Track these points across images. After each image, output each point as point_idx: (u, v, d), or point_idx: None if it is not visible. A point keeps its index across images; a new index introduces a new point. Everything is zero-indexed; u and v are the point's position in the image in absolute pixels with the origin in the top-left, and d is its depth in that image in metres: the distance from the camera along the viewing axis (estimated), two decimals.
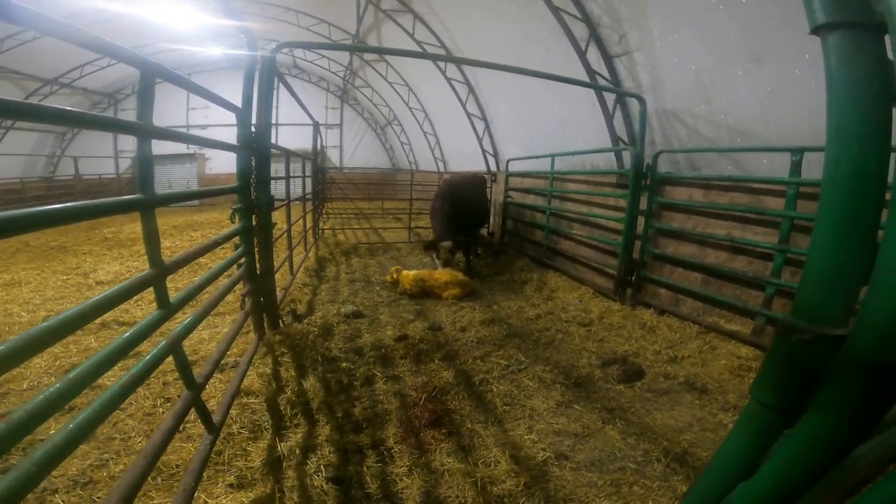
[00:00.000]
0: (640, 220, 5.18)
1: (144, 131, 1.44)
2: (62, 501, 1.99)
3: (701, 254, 4.68)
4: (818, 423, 0.68)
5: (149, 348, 1.64)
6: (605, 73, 5.45)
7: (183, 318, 2.04)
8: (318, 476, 2.19)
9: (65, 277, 6.17)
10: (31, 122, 1.08)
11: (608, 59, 5.37)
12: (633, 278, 5.33)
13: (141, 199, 1.41)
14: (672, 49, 4.59)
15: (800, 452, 0.70)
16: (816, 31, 0.74)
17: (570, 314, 4.90)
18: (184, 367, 1.81)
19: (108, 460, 2.28)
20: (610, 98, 5.59)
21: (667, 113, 5.05)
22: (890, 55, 0.68)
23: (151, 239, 1.47)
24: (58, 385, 1.05)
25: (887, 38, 0.68)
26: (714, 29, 4.08)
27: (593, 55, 5.47)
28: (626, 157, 5.46)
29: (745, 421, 0.80)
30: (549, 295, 5.75)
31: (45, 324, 1.03)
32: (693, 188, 4.80)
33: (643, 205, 5.13)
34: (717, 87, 4.30)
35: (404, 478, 2.21)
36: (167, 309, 1.57)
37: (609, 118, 5.66)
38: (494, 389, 3.14)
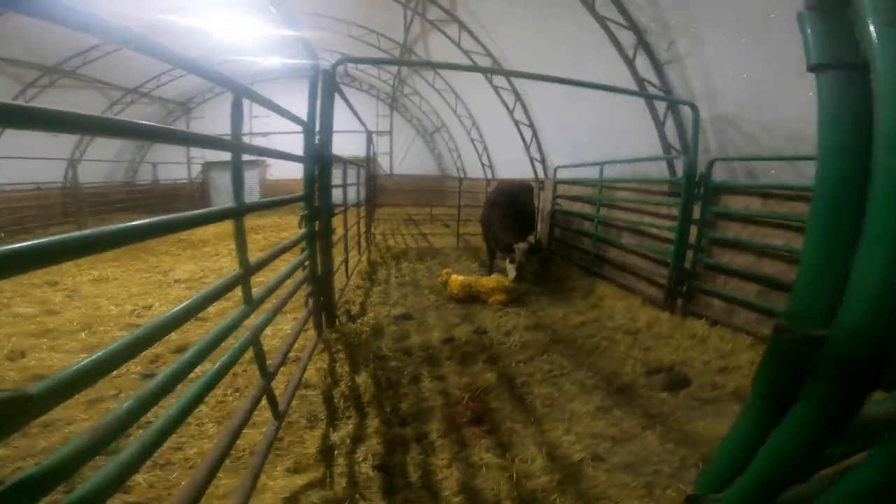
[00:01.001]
0: (693, 229, 5.07)
1: (238, 148, 1.70)
2: (143, 481, 2.16)
3: (757, 264, 4.51)
4: (803, 414, 0.77)
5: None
6: (655, 81, 5.40)
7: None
8: (365, 464, 2.35)
9: (147, 275, 6.80)
10: (150, 141, 1.31)
11: (658, 66, 5.32)
12: (684, 288, 5.21)
13: (235, 208, 1.67)
14: (725, 56, 4.50)
15: (787, 440, 0.80)
16: (812, 69, 0.84)
17: (616, 322, 4.87)
18: (260, 358, 2.05)
19: (183, 444, 2.49)
20: (660, 105, 5.52)
21: (721, 120, 4.93)
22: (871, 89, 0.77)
23: (241, 242, 1.72)
24: (174, 366, 1.28)
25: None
26: (769, 36, 3.97)
27: (642, 63, 5.43)
28: (679, 165, 5.37)
29: (746, 411, 0.91)
30: (596, 303, 5.72)
31: (160, 318, 1.22)
32: (750, 197, 4.65)
33: (696, 213, 5.03)
34: (774, 94, 4.17)
35: (444, 469, 2.35)
36: (251, 305, 1.82)
37: (660, 126, 5.59)
38: (535, 392, 3.23)
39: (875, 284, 0.68)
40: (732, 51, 4.42)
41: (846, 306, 0.72)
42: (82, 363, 0.94)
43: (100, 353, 0.99)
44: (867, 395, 0.73)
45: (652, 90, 5.44)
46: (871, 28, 0.72)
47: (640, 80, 5.51)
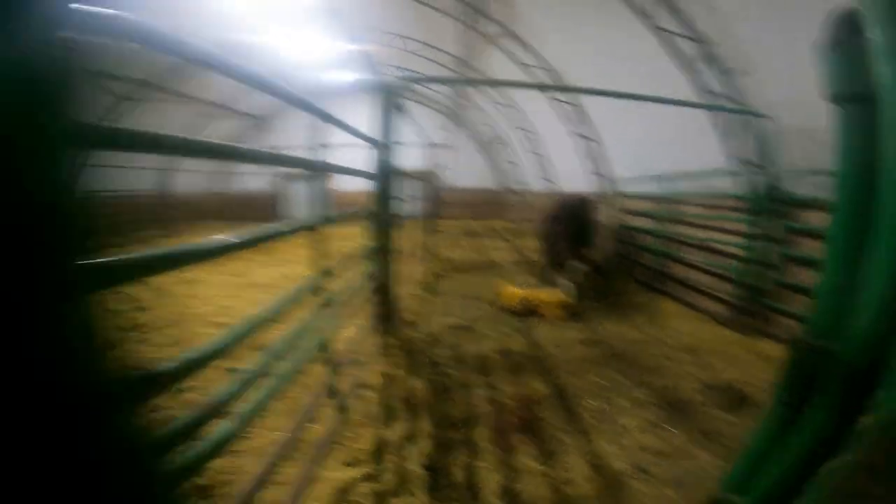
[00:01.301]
0: (764, 246, 4.81)
1: (321, 167, 1.95)
2: (215, 466, 2.25)
3: None
4: (814, 419, 0.83)
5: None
6: (724, 92, 5.22)
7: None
8: (414, 462, 2.48)
9: (226, 277, 7.36)
10: (250, 163, 1.51)
11: (725, 77, 5.14)
12: (753, 306, 4.93)
13: (317, 221, 1.92)
14: (798, 66, 4.27)
15: (801, 444, 0.85)
16: (832, 100, 0.91)
17: (677, 340, 4.70)
18: (328, 358, 2.28)
19: (252, 434, 2.63)
20: (727, 116, 5.31)
21: (798, 131, 4.65)
22: None
23: (320, 251, 1.96)
24: (262, 360, 1.50)
25: None
26: None
27: (708, 74, 5.28)
28: (750, 179, 5.12)
29: (767, 418, 0.96)
30: (657, 320, 5.53)
31: (256, 316, 1.46)
32: (828, 213, 4.35)
33: (768, 229, 4.77)
34: None
35: (488, 472, 2.43)
36: (324, 308, 2.06)
37: (729, 138, 5.37)
38: (585, 405, 3.23)
39: (878, 300, 0.74)
40: (805, 60, 4.19)
41: (854, 319, 0.78)
42: (197, 352, 1.15)
43: (209, 345, 1.21)
44: (867, 404, 0.77)
45: (720, 102, 5.25)
46: (880, 60, 0.78)
47: (707, 92, 5.34)
